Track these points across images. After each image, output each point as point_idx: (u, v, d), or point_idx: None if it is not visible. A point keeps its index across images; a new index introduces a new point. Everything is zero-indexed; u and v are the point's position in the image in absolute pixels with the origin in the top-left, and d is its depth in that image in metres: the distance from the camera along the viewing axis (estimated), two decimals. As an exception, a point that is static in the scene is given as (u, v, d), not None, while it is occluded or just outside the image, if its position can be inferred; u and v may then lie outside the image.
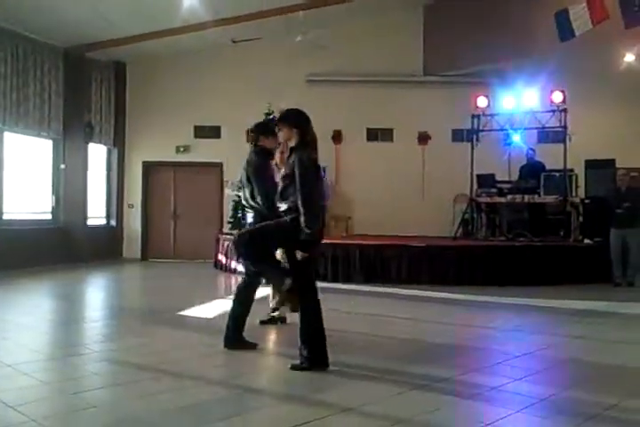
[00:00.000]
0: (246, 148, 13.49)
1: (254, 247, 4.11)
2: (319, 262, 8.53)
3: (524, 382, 3.97)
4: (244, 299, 4.72)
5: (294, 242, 3.97)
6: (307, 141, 4.12)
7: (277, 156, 5.21)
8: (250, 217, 4.94)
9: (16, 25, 10.01)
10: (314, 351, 4.04)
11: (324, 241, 5.38)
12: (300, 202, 3.92)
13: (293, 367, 4.05)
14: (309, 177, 3.97)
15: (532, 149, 10.85)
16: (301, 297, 4.10)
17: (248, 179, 4.83)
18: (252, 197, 4.80)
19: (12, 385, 3.69)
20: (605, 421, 3.19)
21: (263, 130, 4.99)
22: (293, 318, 5.51)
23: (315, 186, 4.01)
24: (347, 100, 12.29)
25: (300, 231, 3.91)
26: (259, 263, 4.21)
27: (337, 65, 12.33)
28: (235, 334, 4.61)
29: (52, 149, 11.49)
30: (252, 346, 4.64)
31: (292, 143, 4.14)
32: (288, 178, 4.03)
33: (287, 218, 4.02)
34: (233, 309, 4.70)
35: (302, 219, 3.91)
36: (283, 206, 4.08)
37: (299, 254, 3.98)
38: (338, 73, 12.31)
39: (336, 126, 12.49)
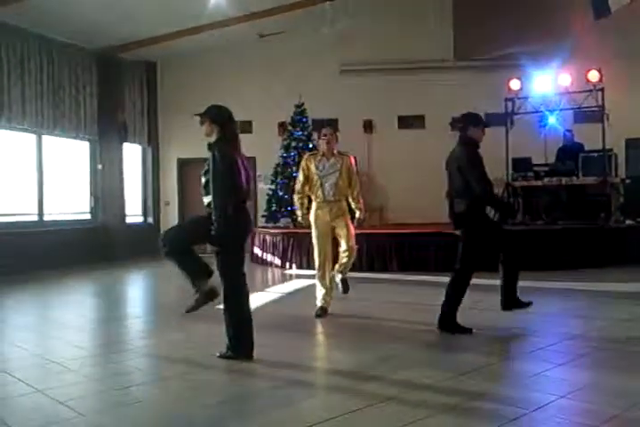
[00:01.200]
0: (278, 141, 13.56)
1: (177, 243, 4.17)
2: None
3: (568, 366, 3.91)
4: (458, 285, 4.90)
5: (209, 236, 4.06)
6: (226, 138, 4.21)
7: (323, 145, 5.70)
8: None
9: (47, 30, 10.21)
10: (238, 341, 4.12)
11: (359, 231, 5.50)
12: (212, 197, 4.04)
13: (221, 356, 4.16)
14: (219, 173, 4.03)
15: (569, 130, 10.61)
16: (225, 287, 4.14)
17: (458, 169, 4.84)
18: (466, 187, 4.81)
19: (60, 382, 3.80)
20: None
21: (474, 121, 5.10)
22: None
23: (227, 181, 4.03)
24: (377, 88, 12.20)
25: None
26: (176, 258, 4.18)
27: (366, 54, 12.24)
28: (450, 317, 4.80)
29: (88, 150, 11.72)
30: (466, 331, 4.77)
31: (212, 138, 4.24)
32: (208, 173, 4.15)
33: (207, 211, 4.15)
34: (448, 294, 4.88)
35: (213, 213, 4.04)
36: (205, 200, 4.23)
37: (209, 248, 4.11)
38: (367, 62, 12.22)
39: (367, 115, 12.43)
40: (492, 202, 4.99)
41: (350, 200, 5.79)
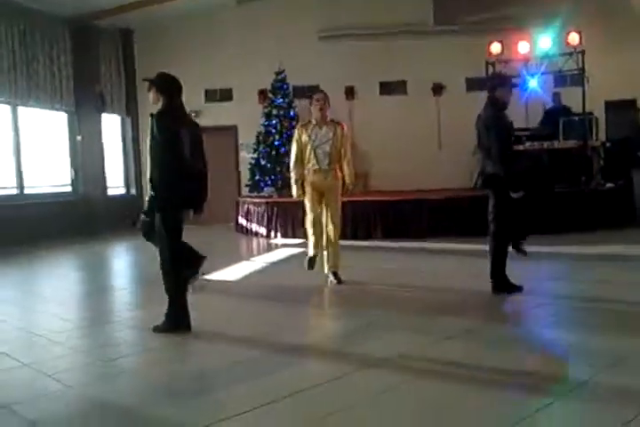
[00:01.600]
0: (259, 109, 13.40)
1: (149, 224, 4.23)
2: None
3: (551, 328, 4.00)
4: (499, 248, 4.97)
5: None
6: (171, 108, 4.16)
7: (316, 112, 5.65)
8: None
9: (18, -3, 9.91)
10: (174, 313, 4.13)
11: (343, 199, 5.51)
12: (150, 169, 4.06)
13: (155, 329, 4.17)
14: (157, 146, 4.01)
15: (556, 93, 10.54)
16: (162, 252, 4.19)
17: (486, 128, 4.90)
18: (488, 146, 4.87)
19: (46, 354, 3.82)
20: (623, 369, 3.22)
21: (501, 82, 5.09)
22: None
23: (165, 154, 4.01)
24: (358, 54, 12.05)
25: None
26: (152, 240, 4.26)
27: (346, 19, 12.03)
28: (502, 280, 4.93)
29: (66, 122, 11.52)
30: (519, 288, 4.90)
31: (159, 107, 4.16)
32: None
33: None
34: (492, 259, 4.99)
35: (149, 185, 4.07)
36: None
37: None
38: (347, 27, 12.03)
39: (348, 82, 12.30)
40: (502, 166, 4.83)
41: (344, 166, 5.76)
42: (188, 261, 4.26)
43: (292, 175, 5.80)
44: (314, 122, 5.68)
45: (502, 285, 4.92)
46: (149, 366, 3.67)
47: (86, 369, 3.58)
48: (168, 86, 4.24)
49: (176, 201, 4.12)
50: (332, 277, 5.71)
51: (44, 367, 3.51)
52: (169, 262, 4.17)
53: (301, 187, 5.75)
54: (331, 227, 5.68)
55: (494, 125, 4.86)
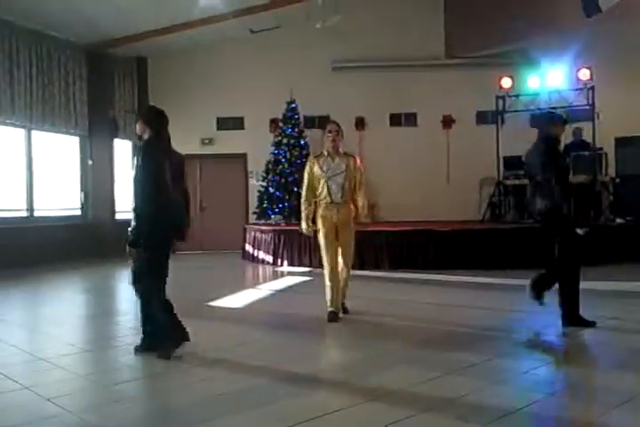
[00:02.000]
0: (270, 138, 13.54)
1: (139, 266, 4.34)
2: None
3: (554, 364, 3.93)
4: (568, 282, 4.88)
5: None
6: (157, 139, 4.23)
7: (328, 143, 5.47)
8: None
9: (37, 24, 10.14)
10: (167, 335, 4.20)
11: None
12: (133, 198, 4.13)
13: (159, 355, 4.16)
14: (141, 176, 4.05)
15: (578, 128, 10.56)
16: (147, 286, 4.22)
17: (543, 163, 4.91)
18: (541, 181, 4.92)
19: (47, 378, 3.78)
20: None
21: (551, 119, 5.13)
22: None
23: (149, 184, 4.05)
24: (369, 85, 12.21)
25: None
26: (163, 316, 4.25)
27: (358, 51, 12.23)
28: (573, 312, 4.84)
29: (78, 146, 11.65)
30: (590, 324, 4.81)
31: (144, 137, 4.27)
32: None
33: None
34: (562, 293, 4.90)
35: (132, 214, 4.16)
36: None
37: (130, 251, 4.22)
38: (359, 59, 12.22)
39: (359, 112, 12.43)
40: (563, 201, 4.88)
41: (358, 199, 5.55)
42: (176, 330, 4.22)
43: (303, 210, 5.57)
44: (326, 153, 5.48)
45: (576, 320, 4.85)
46: (151, 392, 3.62)
47: (87, 394, 3.53)
48: (154, 118, 4.32)
49: (161, 235, 4.18)
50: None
51: (44, 391, 3.47)
52: (157, 303, 4.18)
53: (312, 222, 5.55)
54: (342, 267, 5.48)
55: (553, 161, 4.87)
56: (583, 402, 3.26)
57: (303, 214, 5.58)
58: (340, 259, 5.47)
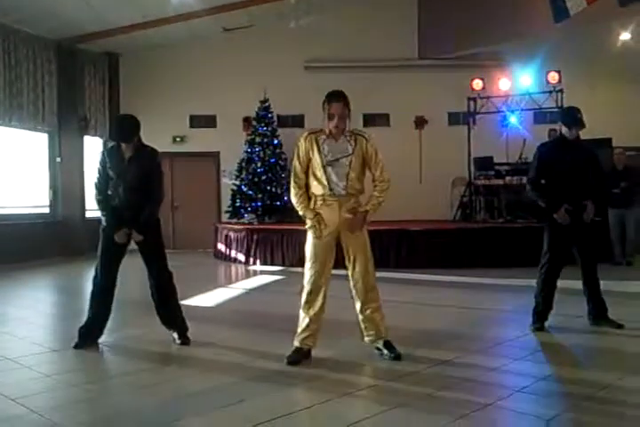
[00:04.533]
0: (242, 136, 13.47)
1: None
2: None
3: (525, 362, 3.99)
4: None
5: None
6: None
7: (330, 125, 4.00)
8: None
9: (6, 18, 9.92)
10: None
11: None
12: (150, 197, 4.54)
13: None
14: (155, 178, 4.52)
15: (553, 129, 10.69)
16: (168, 277, 4.64)
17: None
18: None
19: (13, 378, 3.71)
20: (600, 401, 3.21)
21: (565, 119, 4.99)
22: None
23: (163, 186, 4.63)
24: (342, 85, 11.81)
25: None
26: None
27: (332, 51, 12.25)
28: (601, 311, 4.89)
29: (47, 143, 11.45)
30: (617, 325, 4.79)
31: (138, 145, 4.46)
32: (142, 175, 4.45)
33: None
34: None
35: (148, 211, 4.52)
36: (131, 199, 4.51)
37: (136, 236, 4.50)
38: (333, 59, 12.23)
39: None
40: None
41: (375, 190, 4.10)
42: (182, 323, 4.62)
43: (295, 201, 4.06)
44: (327, 131, 4.03)
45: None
46: (119, 392, 3.57)
47: (53, 394, 3.46)
48: (139, 127, 4.49)
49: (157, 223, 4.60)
50: (384, 351, 4.04)
51: (9, 391, 3.41)
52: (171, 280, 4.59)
53: (313, 214, 3.99)
54: (363, 292, 4.07)
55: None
56: (551, 397, 3.32)
57: (300, 206, 4.04)
58: (352, 283, 4.09)
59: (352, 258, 4.06)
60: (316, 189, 4.00)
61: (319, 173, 3.96)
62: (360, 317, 4.12)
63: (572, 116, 4.90)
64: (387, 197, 4.13)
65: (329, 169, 3.95)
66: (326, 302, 4.04)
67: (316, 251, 4.01)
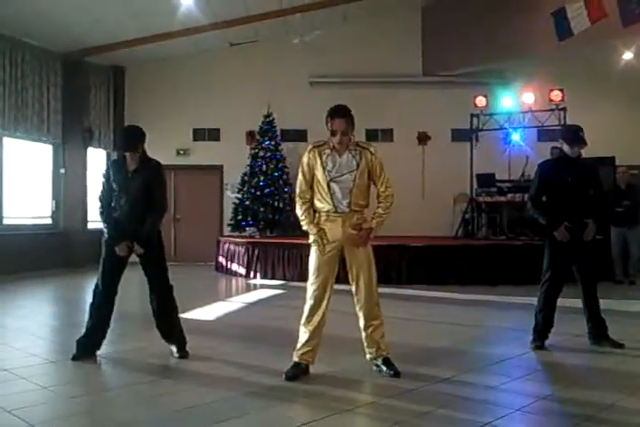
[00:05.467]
0: (246, 150, 13.55)
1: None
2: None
3: (524, 381, 3.96)
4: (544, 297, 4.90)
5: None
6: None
7: (334, 142, 3.99)
8: None
9: (14, 31, 10.02)
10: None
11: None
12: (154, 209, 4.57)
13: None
14: (160, 190, 4.57)
15: (556, 147, 10.71)
16: (168, 287, 4.64)
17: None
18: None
19: (9, 390, 3.69)
20: (600, 422, 3.18)
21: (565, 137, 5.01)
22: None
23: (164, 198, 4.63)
24: (346, 101, 11.97)
25: None
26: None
27: (336, 67, 12.32)
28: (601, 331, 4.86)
29: (51, 154, 11.50)
30: (617, 344, 4.77)
31: (142, 157, 4.50)
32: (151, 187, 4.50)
33: None
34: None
35: (151, 223, 4.55)
36: (131, 210, 4.53)
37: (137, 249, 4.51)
38: (337, 75, 12.30)
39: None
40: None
41: (380, 204, 4.10)
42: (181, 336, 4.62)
43: (301, 214, 4.05)
44: (331, 145, 4.02)
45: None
46: (118, 405, 3.55)
47: (49, 406, 3.45)
48: (145, 137, 4.51)
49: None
50: (383, 368, 4.02)
51: (5, 402, 3.39)
52: (171, 293, 4.60)
53: (317, 229, 3.98)
54: (366, 309, 4.05)
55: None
56: (551, 417, 3.29)
57: (300, 211, 4.04)
58: (355, 299, 4.08)
59: (355, 274, 4.04)
60: (319, 205, 4.00)
61: (323, 190, 3.95)
62: (363, 334, 4.10)
63: (573, 134, 4.91)
64: (390, 212, 4.13)
65: (333, 186, 3.93)
66: (327, 317, 4.01)
67: (318, 265, 3.98)
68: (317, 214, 4.03)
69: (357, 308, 4.08)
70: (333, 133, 3.98)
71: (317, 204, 4.02)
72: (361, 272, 4.03)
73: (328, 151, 4.00)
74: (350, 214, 3.97)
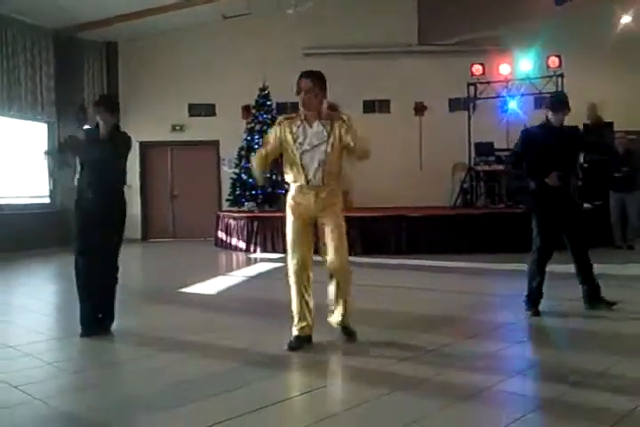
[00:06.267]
0: (242, 124, 13.41)
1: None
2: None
3: (523, 346, 4.01)
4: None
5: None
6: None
7: (301, 107, 4.00)
8: None
9: (3, 7, 9.85)
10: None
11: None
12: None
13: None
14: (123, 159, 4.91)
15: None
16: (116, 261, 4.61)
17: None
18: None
19: (15, 366, 3.73)
20: (596, 384, 3.22)
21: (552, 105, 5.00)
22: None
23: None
24: (342, 72, 12.08)
25: None
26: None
27: (330, 38, 12.16)
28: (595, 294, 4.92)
29: (46, 133, 11.43)
30: (611, 303, 4.84)
31: (113, 125, 4.80)
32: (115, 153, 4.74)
33: None
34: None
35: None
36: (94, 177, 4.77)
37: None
38: (332, 46, 12.15)
39: (332, 99, 12.34)
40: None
41: (355, 148, 4.00)
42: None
43: (254, 157, 4.22)
44: (302, 116, 3.97)
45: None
46: (120, 378, 3.60)
47: (55, 381, 3.49)
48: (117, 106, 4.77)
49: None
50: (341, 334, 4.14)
51: (12, 379, 3.43)
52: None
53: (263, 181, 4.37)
54: (333, 259, 3.96)
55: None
56: (546, 380, 3.33)
57: (254, 161, 4.19)
58: (329, 253, 3.98)
59: (328, 236, 3.98)
60: (292, 179, 4.00)
61: (295, 163, 3.93)
62: (334, 298, 4.13)
63: (556, 99, 4.98)
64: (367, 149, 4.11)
65: (305, 158, 3.91)
66: (310, 283, 4.04)
67: (294, 237, 3.98)
68: (291, 187, 4.03)
69: (329, 262, 4.01)
70: (298, 92, 3.94)
71: (289, 177, 4.00)
72: (330, 229, 3.97)
73: (299, 123, 3.95)
74: (323, 188, 3.94)
